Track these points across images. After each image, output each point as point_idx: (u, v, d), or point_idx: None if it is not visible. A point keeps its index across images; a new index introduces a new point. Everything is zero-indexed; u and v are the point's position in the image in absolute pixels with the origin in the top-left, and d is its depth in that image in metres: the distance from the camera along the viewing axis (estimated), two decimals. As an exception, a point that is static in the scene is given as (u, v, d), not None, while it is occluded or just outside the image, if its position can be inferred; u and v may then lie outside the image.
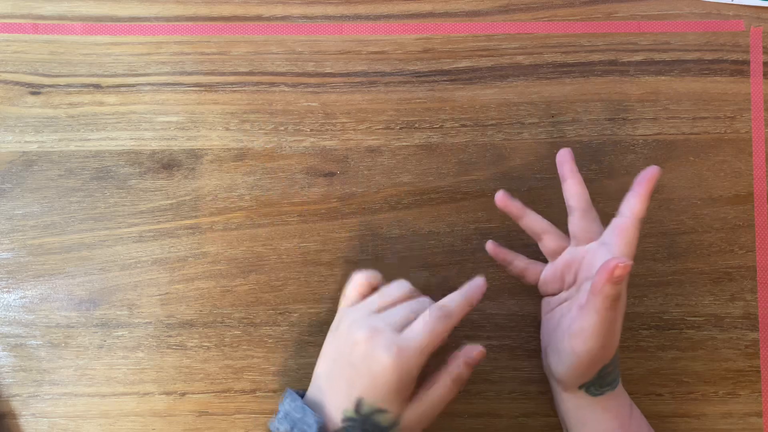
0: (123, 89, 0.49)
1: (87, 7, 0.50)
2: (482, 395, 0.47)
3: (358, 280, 0.40)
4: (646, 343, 0.47)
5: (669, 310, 0.48)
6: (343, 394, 0.36)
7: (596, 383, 0.40)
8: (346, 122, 0.49)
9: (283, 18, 0.50)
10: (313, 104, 0.49)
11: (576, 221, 0.42)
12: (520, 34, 0.50)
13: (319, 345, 0.47)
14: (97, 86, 0.49)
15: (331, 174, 0.49)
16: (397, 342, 0.35)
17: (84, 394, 0.47)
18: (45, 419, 0.46)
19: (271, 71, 0.50)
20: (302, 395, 0.38)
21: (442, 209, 0.48)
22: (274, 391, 0.47)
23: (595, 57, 0.50)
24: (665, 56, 0.50)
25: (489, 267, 0.48)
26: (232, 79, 0.50)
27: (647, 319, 0.47)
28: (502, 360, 0.47)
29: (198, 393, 0.47)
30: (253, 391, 0.47)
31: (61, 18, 0.50)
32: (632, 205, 0.39)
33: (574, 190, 0.42)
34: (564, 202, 0.43)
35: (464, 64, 0.50)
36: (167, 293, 0.47)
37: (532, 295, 0.47)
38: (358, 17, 0.50)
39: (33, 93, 0.49)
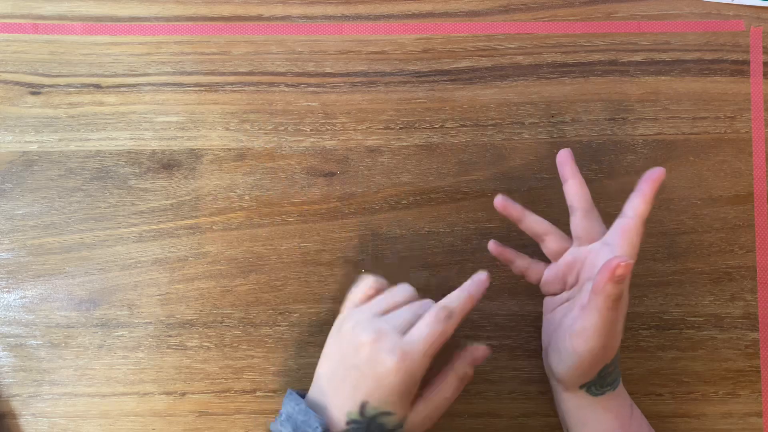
0: (123, 89, 0.49)
1: (87, 7, 0.50)
2: (482, 395, 0.47)
3: (366, 283, 0.40)
4: (646, 343, 0.47)
5: (669, 310, 0.48)
6: (347, 396, 0.36)
7: (597, 383, 0.40)
8: (346, 122, 0.49)
9: (283, 18, 0.50)
10: (313, 104, 0.49)
11: (578, 221, 0.42)
12: (520, 34, 0.50)
13: (319, 345, 0.47)
14: (97, 86, 0.49)
15: (331, 174, 0.49)
16: (401, 345, 0.35)
17: (84, 394, 0.47)
18: (45, 419, 0.46)
19: (271, 71, 0.50)
20: (303, 396, 0.38)
21: (442, 209, 0.48)
22: (274, 391, 0.47)
23: (595, 57, 0.50)
24: (665, 56, 0.50)
25: (489, 267, 0.47)
26: (232, 79, 0.50)
27: (647, 319, 0.47)
28: (502, 360, 0.47)
29: (198, 393, 0.47)
30: (253, 391, 0.47)
31: (61, 18, 0.50)
32: (636, 206, 0.39)
33: (575, 190, 0.42)
34: (564, 203, 0.43)
35: (464, 64, 0.50)
36: (167, 293, 0.47)
37: (532, 295, 0.47)
38: (358, 17, 0.50)
39: (33, 93, 0.49)
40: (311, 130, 0.49)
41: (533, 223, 0.43)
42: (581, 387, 0.40)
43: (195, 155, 0.49)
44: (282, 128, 0.49)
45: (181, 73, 0.50)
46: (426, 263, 0.48)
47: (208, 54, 0.50)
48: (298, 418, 0.36)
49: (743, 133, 0.49)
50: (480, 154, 0.49)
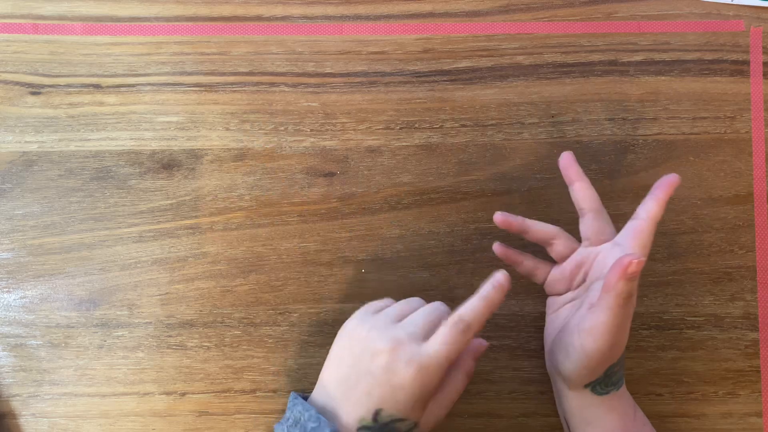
0: (123, 89, 0.49)
1: (87, 7, 0.50)
2: (482, 395, 0.47)
3: (381, 300, 0.40)
4: (646, 343, 0.47)
5: (669, 310, 0.48)
6: (360, 403, 0.35)
7: (603, 382, 0.40)
8: (346, 122, 0.49)
9: (283, 18, 0.50)
10: (313, 104, 0.49)
11: (589, 223, 0.42)
12: (520, 34, 0.50)
13: (319, 345, 0.47)
14: (97, 86, 0.49)
15: (331, 174, 0.49)
16: (419, 357, 0.35)
17: (84, 394, 0.47)
18: (45, 419, 0.46)
19: (271, 71, 0.50)
20: (306, 398, 0.38)
21: (442, 209, 0.48)
22: (274, 391, 0.47)
23: (595, 57, 0.50)
24: (665, 56, 0.50)
25: (489, 267, 0.48)
26: (232, 79, 0.50)
27: (647, 319, 0.47)
28: (502, 360, 0.47)
29: (198, 393, 0.47)
30: (253, 391, 0.47)
31: (61, 18, 0.50)
32: (649, 209, 0.40)
33: (584, 193, 0.42)
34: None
35: (464, 64, 0.50)
36: (167, 293, 0.47)
37: (532, 295, 0.47)
38: (358, 17, 0.50)
39: (33, 93, 0.49)
40: (311, 130, 0.49)
41: (539, 231, 0.43)
42: (586, 386, 0.40)
43: (195, 155, 0.49)
44: (282, 128, 0.49)
45: (181, 73, 0.50)
46: (426, 263, 0.48)
47: (208, 54, 0.50)
48: (308, 424, 0.35)
49: (743, 133, 0.49)
50: (480, 154, 0.49)
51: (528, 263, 0.44)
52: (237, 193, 0.48)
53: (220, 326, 0.47)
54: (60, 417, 0.46)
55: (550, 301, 0.45)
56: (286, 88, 0.50)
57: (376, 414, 0.35)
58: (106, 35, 0.50)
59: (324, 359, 0.39)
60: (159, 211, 0.48)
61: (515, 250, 0.45)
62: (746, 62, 0.50)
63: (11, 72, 0.49)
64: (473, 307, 0.36)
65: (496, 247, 0.45)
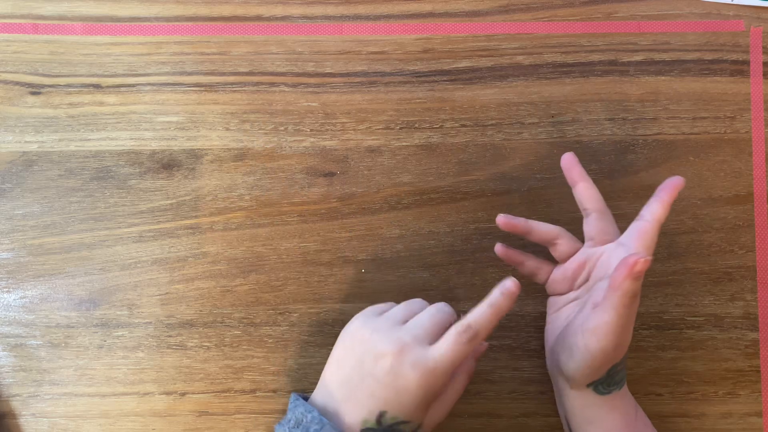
0: (123, 89, 0.49)
1: (87, 7, 0.50)
2: (482, 395, 0.47)
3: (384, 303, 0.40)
4: (646, 343, 0.47)
5: (669, 310, 0.48)
6: (363, 404, 0.35)
7: (605, 381, 0.40)
8: (346, 122, 0.49)
9: (283, 18, 0.50)
10: (313, 104, 0.49)
11: (594, 223, 0.42)
12: (520, 34, 0.50)
13: (319, 345, 0.47)
14: (97, 86, 0.49)
15: (331, 174, 0.49)
16: (424, 361, 0.35)
17: (84, 394, 0.47)
18: (45, 419, 0.46)
19: (271, 71, 0.50)
20: (306, 398, 0.38)
21: (442, 209, 0.48)
22: (274, 391, 0.47)
23: (595, 57, 0.50)
24: (665, 56, 0.50)
25: (489, 267, 0.48)
26: (232, 79, 0.50)
27: (647, 319, 0.47)
28: (502, 360, 0.47)
29: (198, 393, 0.47)
30: (253, 391, 0.47)
31: (61, 18, 0.50)
32: (654, 210, 0.40)
33: (588, 193, 0.42)
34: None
35: (464, 64, 0.50)
36: (167, 293, 0.47)
37: (532, 295, 0.47)
38: (358, 17, 0.50)
39: (33, 93, 0.49)
40: (311, 130, 0.49)
41: (542, 231, 0.43)
42: (589, 385, 0.40)
43: (195, 155, 0.49)
44: (282, 128, 0.49)
45: (181, 73, 0.50)
46: (426, 263, 0.48)
47: (208, 54, 0.50)
48: (311, 426, 0.35)
49: (743, 133, 0.49)
50: (480, 154, 0.49)
51: (530, 263, 0.44)
52: (237, 193, 0.48)
53: (220, 326, 0.47)
54: (60, 417, 0.46)
55: (551, 300, 0.45)
56: (286, 88, 0.50)
57: (380, 416, 0.35)
58: (106, 35, 0.50)
59: (324, 359, 0.39)
60: (159, 211, 0.48)
61: (517, 250, 0.45)
62: (746, 62, 0.50)
63: (11, 72, 0.49)
64: (481, 314, 0.36)
65: (498, 249, 0.44)
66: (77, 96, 0.49)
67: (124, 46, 0.50)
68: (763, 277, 0.48)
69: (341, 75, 0.50)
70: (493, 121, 0.49)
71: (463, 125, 0.49)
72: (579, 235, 0.43)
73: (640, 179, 0.48)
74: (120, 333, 0.47)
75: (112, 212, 0.48)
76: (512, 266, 0.45)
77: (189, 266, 0.48)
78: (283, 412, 0.46)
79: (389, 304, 0.40)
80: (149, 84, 0.49)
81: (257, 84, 0.50)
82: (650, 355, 0.47)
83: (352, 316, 0.39)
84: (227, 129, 0.49)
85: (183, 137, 0.49)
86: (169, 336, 0.47)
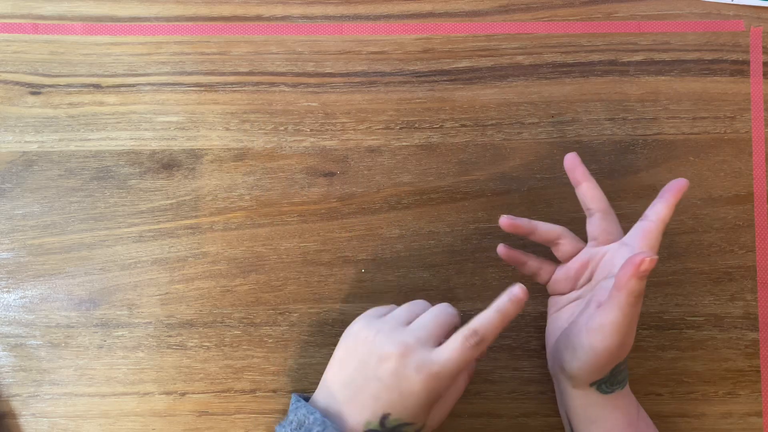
0: (123, 89, 0.49)
1: (87, 7, 0.50)
2: (482, 395, 0.47)
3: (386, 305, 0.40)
4: (646, 343, 0.47)
5: (669, 310, 0.48)
6: (366, 406, 0.35)
7: (608, 381, 0.40)
8: (346, 122, 0.49)
9: (283, 18, 0.50)
10: (313, 104, 0.49)
11: (597, 222, 0.42)
12: (520, 34, 0.50)
13: (319, 345, 0.47)
14: (97, 86, 0.49)
15: (331, 174, 0.49)
16: (429, 364, 0.35)
17: (84, 394, 0.47)
18: (45, 419, 0.46)
19: (271, 71, 0.50)
20: (307, 399, 0.38)
21: (442, 209, 0.48)
22: (274, 391, 0.47)
23: (595, 57, 0.50)
24: (665, 56, 0.50)
25: (489, 267, 0.48)
26: (232, 79, 0.50)
27: (647, 319, 0.47)
28: (502, 360, 0.47)
29: (198, 393, 0.47)
30: (253, 391, 0.47)
31: (61, 18, 0.50)
32: (659, 211, 0.40)
33: (591, 193, 0.42)
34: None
35: (464, 64, 0.50)
36: (167, 293, 0.47)
37: (532, 294, 0.47)
38: (358, 17, 0.50)
39: (33, 93, 0.49)
40: (311, 130, 0.49)
41: (545, 231, 0.43)
42: (592, 385, 0.40)
43: (195, 155, 0.49)
44: (282, 128, 0.49)
45: (181, 73, 0.50)
46: (426, 263, 0.48)
47: (208, 54, 0.50)
48: (314, 428, 0.35)
49: (743, 133, 0.49)
50: (480, 154, 0.49)
51: (532, 263, 0.44)
52: (237, 193, 0.48)
53: (220, 326, 0.47)
54: (60, 417, 0.46)
55: (552, 300, 0.45)
56: (286, 88, 0.50)
57: (384, 418, 0.35)
58: (106, 35, 0.50)
59: (324, 359, 0.39)
60: (159, 211, 0.48)
61: (519, 251, 0.45)
62: (746, 62, 0.50)
63: (11, 72, 0.49)
64: (488, 319, 0.35)
65: (500, 250, 0.44)
66: (77, 96, 0.49)
67: (124, 46, 0.50)
68: (763, 277, 0.48)
69: (341, 75, 0.50)
70: (493, 121, 0.49)
71: (463, 125, 0.49)
72: (580, 235, 0.43)
73: (640, 179, 0.48)
74: (120, 333, 0.47)
75: (112, 212, 0.48)
76: (513, 266, 0.45)
77: (189, 266, 0.48)
78: (283, 412, 0.46)
79: (391, 306, 0.40)
80: (149, 84, 0.49)
81: (257, 84, 0.50)
82: (650, 355, 0.47)
83: (353, 316, 0.39)
84: (227, 129, 0.49)
85: (183, 137, 0.49)
86: (169, 336, 0.47)
